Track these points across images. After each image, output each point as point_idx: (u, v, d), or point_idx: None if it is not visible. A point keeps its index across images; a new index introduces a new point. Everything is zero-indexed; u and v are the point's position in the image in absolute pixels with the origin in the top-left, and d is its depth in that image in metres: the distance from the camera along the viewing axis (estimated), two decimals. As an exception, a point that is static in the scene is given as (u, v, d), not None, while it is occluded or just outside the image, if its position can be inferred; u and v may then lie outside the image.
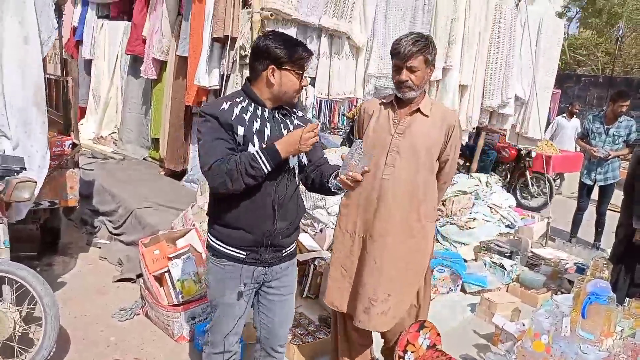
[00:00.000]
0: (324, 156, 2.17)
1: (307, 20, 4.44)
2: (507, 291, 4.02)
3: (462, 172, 6.47)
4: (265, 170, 1.86)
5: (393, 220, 2.34)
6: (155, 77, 5.89)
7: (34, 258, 3.87)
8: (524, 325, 3.17)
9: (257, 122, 1.94)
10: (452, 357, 2.31)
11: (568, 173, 8.48)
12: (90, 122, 7.26)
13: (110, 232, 4.49)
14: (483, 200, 5.42)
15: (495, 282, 4.06)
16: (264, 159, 1.85)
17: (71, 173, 3.78)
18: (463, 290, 4.01)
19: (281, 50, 1.91)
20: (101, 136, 7.03)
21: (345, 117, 9.61)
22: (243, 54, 4.26)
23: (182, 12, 5.30)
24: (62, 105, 4.11)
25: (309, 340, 3.00)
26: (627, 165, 7.31)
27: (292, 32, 4.49)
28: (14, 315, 2.55)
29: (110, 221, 4.58)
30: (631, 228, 3.54)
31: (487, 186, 5.66)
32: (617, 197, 7.26)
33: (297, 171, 2.04)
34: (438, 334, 2.38)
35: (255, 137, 1.92)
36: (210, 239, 2.06)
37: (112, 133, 7.03)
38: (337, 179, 1.85)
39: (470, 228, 4.93)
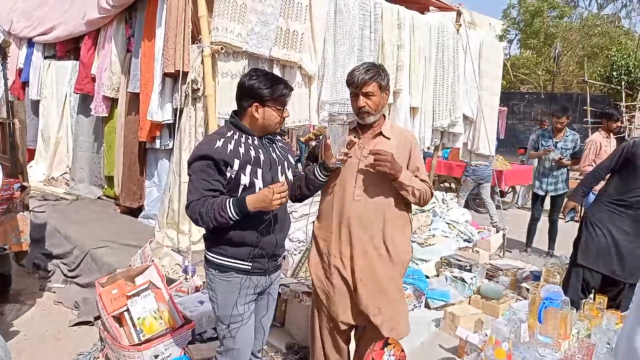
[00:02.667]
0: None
1: (258, 52, 4.53)
2: (469, 304, 4.10)
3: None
4: (232, 220, 2.04)
5: (372, 238, 2.48)
6: (107, 115, 5.81)
7: (-18, 308, 3.69)
8: (486, 335, 3.24)
9: (251, 150, 2.15)
10: (418, 372, 2.34)
11: (520, 186, 8.84)
12: (40, 164, 7.04)
13: (65, 275, 4.33)
14: (441, 217, 5.56)
15: (458, 295, 4.15)
16: (232, 210, 2.03)
17: (21, 216, 3.65)
18: (427, 306, 4.07)
19: (264, 89, 2.12)
20: (52, 177, 6.81)
21: (301, 143, 9.71)
22: (195, 88, 4.29)
23: (130, 50, 5.29)
24: (10, 147, 3.99)
25: (277, 369, 2.97)
26: (576, 177, 7.69)
27: (243, 63, 4.57)
28: (-38, 370, 2.42)
29: (64, 264, 4.41)
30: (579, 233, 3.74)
31: (443, 203, 5.83)
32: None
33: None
34: (402, 350, 2.41)
35: (248, 165, 2.11)
36: (213, 257, 2.20)
37: (64, 173, 6.83)
38: (332, 161, 2.29)
39: (430, 245, 5.04)
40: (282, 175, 2.25)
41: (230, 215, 2.03)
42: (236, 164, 2.09)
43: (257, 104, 2.14)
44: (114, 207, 5.69)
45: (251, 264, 2.17)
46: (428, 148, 6.46)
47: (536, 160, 6.16)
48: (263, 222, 2.15)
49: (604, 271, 3.61)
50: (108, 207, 5.76)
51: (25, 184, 3.75)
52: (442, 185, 9.35)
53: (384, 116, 2.58)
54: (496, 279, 4.45)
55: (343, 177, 2.49)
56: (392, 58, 5.56)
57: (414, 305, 3.99)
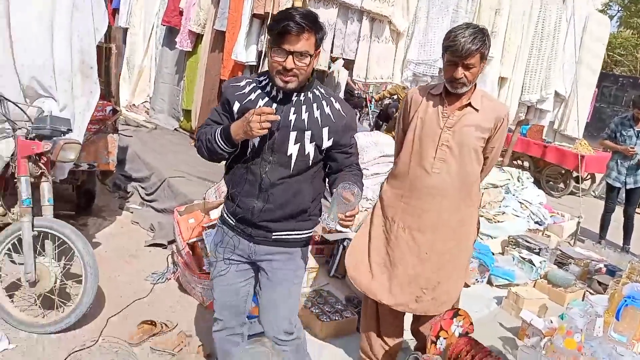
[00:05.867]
0: (352, 159, 2.02)
1: (349, 2, 4.39)
2: (534, 287, 3.98)
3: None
4: (219, 147, 1.86)
5: (444, 213, 2.34)
6: (190, 49, 5.91)
7: (71, 217, 3.90)
8: (552, 322, 3.14)
9: (262, 100, 1.88)
10: (485, 347, 2.30)
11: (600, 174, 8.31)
12: (123, 90, 7.30)
13: (143, 198, 4.57)
14: (513, 195, 5.35)
15: (523, 277, 4.03)
16: (218, 136, 1.86)
17: (111, 138, 3.84)
18: (489, 282, 3.99)
19: (271, 25, 1.82)
20: (133, 104, 7.09)
21: (374, 100, 9.51)
22: (284, 31, 4.23)
23: (222, -14, 5.27)
24: (104, 71, 4.15)
25: (336, 319, 3.02)
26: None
27: (333, 12, 4.46)
28: (56, 270, 2.63)
29: (142, 187, 4.65)
30: None
31: (518, 181, 5.59)
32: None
33: (294, 159, 1.89)
34: (471, 323, 2.38)
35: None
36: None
37: (145, 102, 7.09)
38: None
39: (498, 222, 4.88)
40: (294, 144, 1.87)
41: (218, 140, 1.85)
42: (236, 106, 1.90)
43: (269, 45, 1.83)
44: (189, 140, 5.87)
45: (235, 221, 2.00)
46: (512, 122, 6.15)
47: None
48: (249, 184, 1.93)
49: None
50: (184, 139, 5.96)
51: (117, 107, 3.92)
52: (515, 162, 8.94)
53: (475, 84, 2.34)
54: (566, 267, 4.27)
55: (423, 145, 2.32)
56: (488, 23, 5.22)
57: (476, 279, 3.92)
